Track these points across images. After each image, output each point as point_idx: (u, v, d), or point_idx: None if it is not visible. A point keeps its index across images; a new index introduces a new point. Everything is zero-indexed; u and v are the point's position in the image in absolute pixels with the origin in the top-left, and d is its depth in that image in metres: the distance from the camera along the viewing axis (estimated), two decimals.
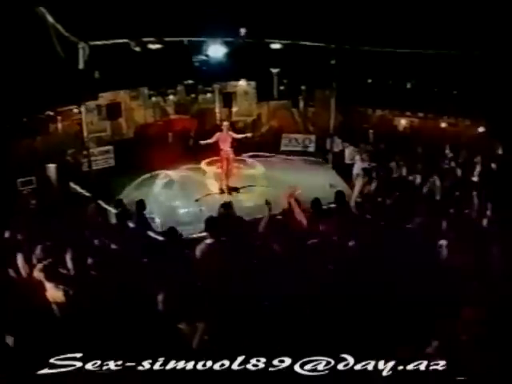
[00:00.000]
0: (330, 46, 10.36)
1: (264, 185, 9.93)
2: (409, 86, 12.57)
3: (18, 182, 9.80)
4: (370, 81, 12.46)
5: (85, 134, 10.61)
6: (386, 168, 9.58)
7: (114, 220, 8.57)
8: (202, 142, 9.91)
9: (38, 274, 4.74)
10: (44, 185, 10.08)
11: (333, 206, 7.67)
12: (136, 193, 9.86)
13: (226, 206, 7.19)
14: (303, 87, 12.10)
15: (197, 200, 8.98)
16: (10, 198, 9.08)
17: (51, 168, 10.41)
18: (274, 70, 12.29)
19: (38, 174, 10.10)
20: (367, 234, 6.78)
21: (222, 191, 9.87)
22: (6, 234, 6.74)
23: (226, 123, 9.93)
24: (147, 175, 10.71)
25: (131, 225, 7.42)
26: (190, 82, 12.63)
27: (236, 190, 9.93)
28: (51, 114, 11.43)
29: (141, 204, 7.35)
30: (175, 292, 4.22)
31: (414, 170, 9.29)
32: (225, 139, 9.74)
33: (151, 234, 7.77)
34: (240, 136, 9.97)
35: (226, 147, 9.77)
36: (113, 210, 8.77)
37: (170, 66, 11.35)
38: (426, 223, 7.14)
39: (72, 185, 10.12)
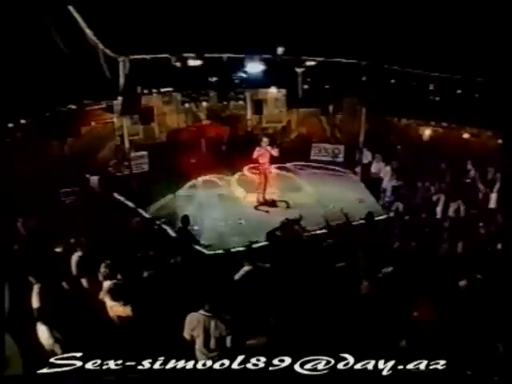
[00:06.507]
0: (361, 62, 11.50)
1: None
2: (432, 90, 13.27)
3: (61, 192, 10.73)
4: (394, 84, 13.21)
5: (126, 145, 11.76)
6: (412, 187, 10.87)
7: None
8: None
9: (104, 295, 5.31)
10: (88, 195, 11.01)
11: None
12: (178, 203, 11.04)
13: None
14: (332, 96, 13.03)
15: (240, 222, 10.20)
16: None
17: (94, 180, 11.48)
18: (301, 77, 13.12)
19: (81, 185, 11.07)
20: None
21: (259, 203, 11.11)
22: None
23: (265, 139, 10.90)
24: (187, 185, 11.84)
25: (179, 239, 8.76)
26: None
27: (273, 202, 11.14)
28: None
29: (185, 219, 8.52)
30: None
31: (439, 190, 10.60)
32: (264, 155, 10.82)
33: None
34: (277, 153, 10.92)
35: (265, 162, 10.92)
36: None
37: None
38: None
39: (116, 195, 11.28)
